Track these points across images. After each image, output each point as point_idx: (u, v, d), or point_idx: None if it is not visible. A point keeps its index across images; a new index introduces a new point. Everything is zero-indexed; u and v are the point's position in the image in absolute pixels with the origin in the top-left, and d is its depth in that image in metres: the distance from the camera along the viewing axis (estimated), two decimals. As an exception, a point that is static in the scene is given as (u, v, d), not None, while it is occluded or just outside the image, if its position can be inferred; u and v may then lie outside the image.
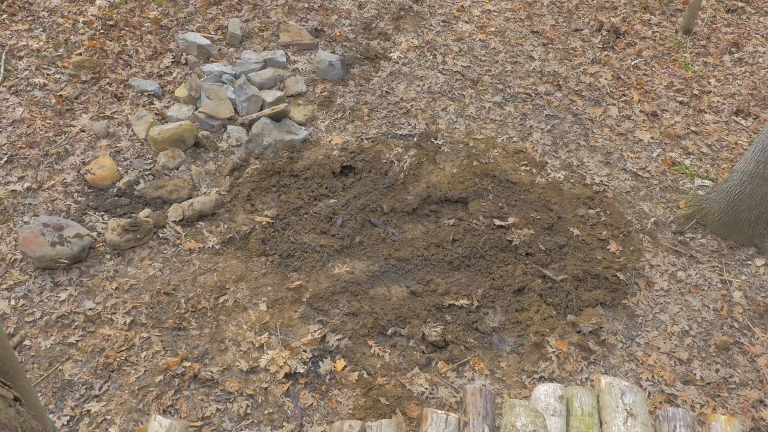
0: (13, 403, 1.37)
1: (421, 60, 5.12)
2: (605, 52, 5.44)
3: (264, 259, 3.62)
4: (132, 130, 4.30)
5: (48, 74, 4.60)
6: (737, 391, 3.14)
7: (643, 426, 2.05)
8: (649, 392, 3.12)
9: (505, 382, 3.13)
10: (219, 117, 4.36)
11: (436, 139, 4.41)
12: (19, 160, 4.02)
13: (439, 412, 2.04)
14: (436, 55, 5.19)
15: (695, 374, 3.21)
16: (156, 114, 4.42)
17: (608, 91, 5.00)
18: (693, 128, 4.72)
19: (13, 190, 3.84)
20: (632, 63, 5.33)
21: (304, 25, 5.34)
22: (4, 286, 3.38)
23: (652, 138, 4.60)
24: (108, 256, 3.57)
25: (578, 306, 3.48)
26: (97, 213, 3.78)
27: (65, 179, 3.94)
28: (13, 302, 3.31)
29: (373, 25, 5.46)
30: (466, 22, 5.63)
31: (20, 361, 3.05)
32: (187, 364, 3.09)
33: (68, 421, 2.89)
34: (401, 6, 5.67)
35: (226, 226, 3.77)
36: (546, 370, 3.16)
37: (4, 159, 4.00)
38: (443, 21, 5.60)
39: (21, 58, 4.70)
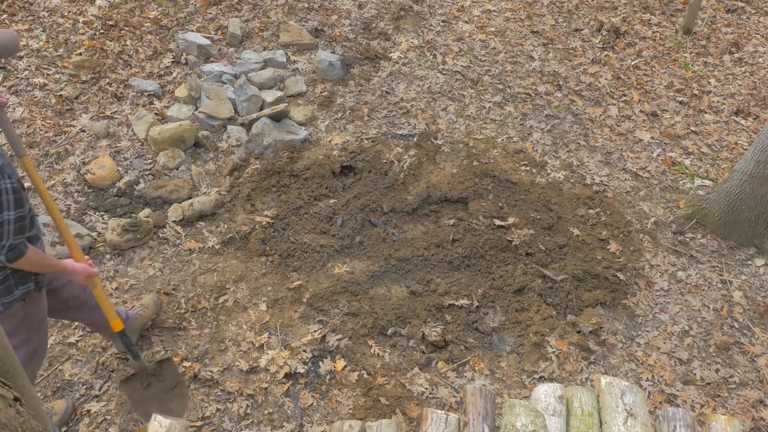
0: (13, 403, 1.37)
1: (421, 60, 5.12)
2: (605, 52, 5.44)
3: (264, 259, 3.62)
4: (132, 130, 4.30)
5: (48, 74, 4.60)
6: (737, 391, 3.14)
7: (643, 426, 2.05)
8: (649, 392, 3.12)
9: (505, 382, 3.13)
10: (219, 117, 4.36)
11: (436, 139, 4.41)
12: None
13: (439, 412, 2.04)
14: (436, 55, 5.19)
15: (695, 374, 3.21)
16: (156, 114, 4.42)
17: (608, 91, 5.00)
18: (693, 128, 4.72)
19: (13, 190, 3.84)
20: (632, 63, 5.33)
21: (304, 25, 5.34)
22: (4, 286, 3.37)
23: (652, 138, 4.60)
24: (108, 256, 3.57)
25: (578, 306, 3.48)
26: (97, 213, 3.78)
27: (65, 179, 3.93)
28: (13, 302, 3.31)
29: (373, 25, 5.46)
30: (466, 22, 5.63)
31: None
32: (187, 364, 3.08)
33: (68, 420, 2.88)
34: (401, 6, 5.67)
35: (226, 226, 3.77)
36: (546, 370, 3.16)
37: (4, 159, 4.00)
38: (443, 21, 5.60)
39: (21, 58, 4.69)
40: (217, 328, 3.28)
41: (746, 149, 4.45)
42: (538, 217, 3.89)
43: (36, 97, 4.42)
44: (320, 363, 3.13)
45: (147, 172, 4.07)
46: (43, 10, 5.14)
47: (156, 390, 2.86)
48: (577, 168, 4.31)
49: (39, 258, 2.28)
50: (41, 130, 4.20)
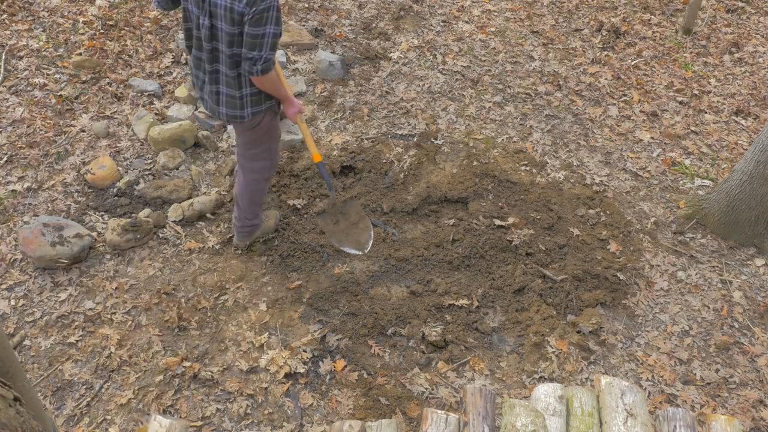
0: (13, 403, 1.37)
1: (421, 60, 5.12)
2: (605, 52, 5.44)
3: (264, 259, 3.62)
4: (132, 130, 4.30)
5: (48, 74, 4.61)
6: (737, 391, 3.14)
7: (643, 426, 2.05)
8: (649, 392, 3.12)
9: (505, 382, 3.13)
10: (219, 117, 4.36)
11: (436, 139, 4.41)
12: (19, 160, 4.02)
13: (439, 412, 2.04)
14: (436, 55, 5.19)
15: (695, 374, 3.21)
16: (156, 114, 4.42)
17: (608, 91, 5.00)
18: (693, 128, 4.72)
19: (13, 190, 3.84)
20: (632, 63, 5.33)
21: (304, 25, 5.34)
22: (4, 286, 3.38)
23: (652, 138, 4.60)
24: (108, 256, 3.57)
25: (578, 306, 3.48)
26: (97, 213, 3.78)
27: (65, 179, 3.94)
28: (13, 302, 3.31)
29: (373, 25, 5.46)
30: (466, 22, 5.63)
31: (20, 361, 3.05)
32: (187, 364, 3.09)
33: (68, 420, 2.89)
34: (401, 6, 5.67)
35: (226, 226, 3.77)
36: (546, 370, 3.16)
37: (4, 159, 4.00)
38: (443, 21, 5.60)
39: (21, 58, 4.70)
40: (217, 328, 3.28)
41: (746, 149, 4.45)
42: (538, 217, 3.89)
43: (36, 97, 4.43)
44: (320, 363, 3.13)
45: (147, 172, 4.07)
46: (43, 10, 5.15)
47: (343, 225, 3.54)
48: (577, 168, 4.31)
49: (276, 80, 2.78)
50: (41, 130, 4.20)
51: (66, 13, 5.15)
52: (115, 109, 4.44)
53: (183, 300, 3.38)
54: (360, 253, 3.47)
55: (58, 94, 4.46)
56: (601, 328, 3.35)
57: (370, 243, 3.45)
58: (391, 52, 5.16)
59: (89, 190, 3.91)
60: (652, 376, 3.18)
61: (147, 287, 3.44)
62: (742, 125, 4.78)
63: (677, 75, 5.24)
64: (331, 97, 4.69)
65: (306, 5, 5.58)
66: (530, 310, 3.42)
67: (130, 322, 3.27)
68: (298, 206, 3.90)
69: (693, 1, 5.54)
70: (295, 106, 3.02)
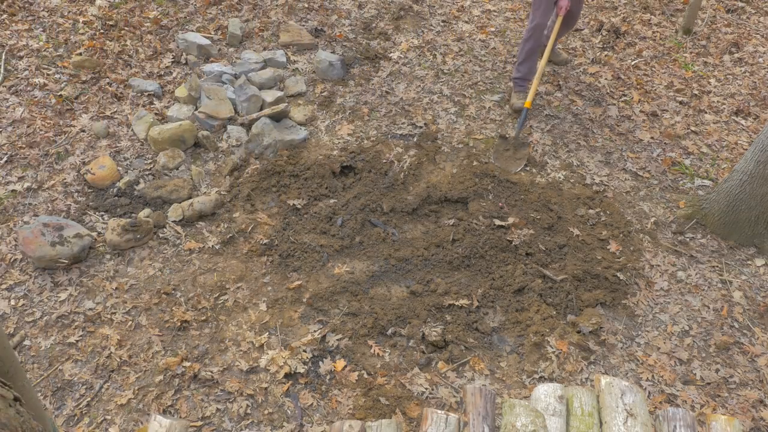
0: (13, 403, 1.37)
1: (421, 60, 5.12)
2: (605, 52, 5.44)
3: (264, 259, 3.62)
4: (132, 130, 4.30)
5: (48, 74, 4.61)
6: (737, 391, 3.14)
7: (643, 426, 2.05)
8: (649, 392, 3.12)
9: (505, 382, 3.13)
10: (219, 117, 4.36)
11: (436, 139, 4.41)
12: (19, 160, 4.02)
13: (439, 412, 2.04)
14: (436, 55, 5.19)
15: (695, 374, 3.21)
16: (156, 114, 4.42)
17: (608, 91, 5.00)
18: (693, 128, 4.72)
19: (13, 190, 3.84)
20: (632, 63, 5.33)
21: (304, 25, 5.35)
22: (4, 286, 3.38)
23: (652, 138, 4.60)
24: (108, 256, 3.57)
25: (578, 306, 3.48)
26: (97, 213, 3.78)
27: (65, 179, 3.94)
28: (13, 302, 3.31)
29: (373, 25, 5.46)
30: (466, 22, 5.63)
31: (20, 361, 3.06)
32: (187, 364, 3.09)
33: (68, 420, 2.89)
34: (401, 6, 5.67)
35: (226, 226, 3.77)
36: (546, 370, 3.16)
37: (4, 159, 4.00)
38: (443, 21, 5.60)
39: (21, 58, 4.70)
40: (217, 328, 3.28)
41: (746, 149, 4.45)
42: (538, 217, 3.89)
43: (36, 97, 4.43)
44: (320, 363, 3.13)
45: (147, 172, 4.07)
46: (43, 10, 5.15)
47: (508, 154, 4.29)
48: (577, 168, 4.31)
49: None
50: (41, 130, 4.21)
51: (66, 13, 5.15)
52: (115, 109, 4.44)
53: (183, 300, 3.38)
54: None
55: (58, 94, 4.46)
56: (601, 328, 3.35)
57: (512, 172, 4.21)
58: (391, 52, 5.16)
59: (89, 190, 3.91)
60: (652, 376, 3.18)
61: (147, 287, 3.44)
62: (742, 125, 4.78)
63: (677, 75, 5.24)
64: (331, 97, 4.69)
65: (306, 5, 5.58)
66: (530, 310, 3.42)
67: (130, 322, 3.27)
68: (298, 206, 3.90)
69: (693, 1, 5.54)
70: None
